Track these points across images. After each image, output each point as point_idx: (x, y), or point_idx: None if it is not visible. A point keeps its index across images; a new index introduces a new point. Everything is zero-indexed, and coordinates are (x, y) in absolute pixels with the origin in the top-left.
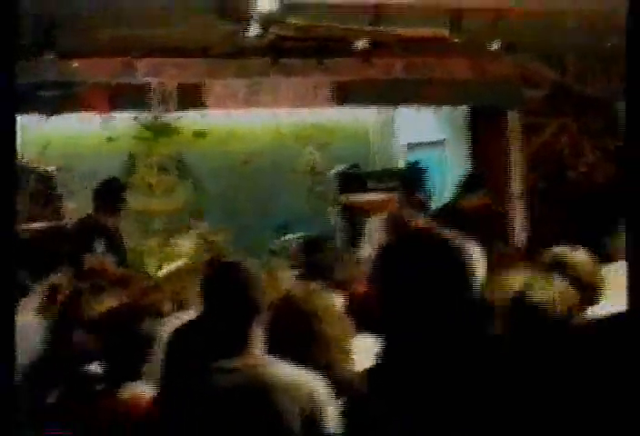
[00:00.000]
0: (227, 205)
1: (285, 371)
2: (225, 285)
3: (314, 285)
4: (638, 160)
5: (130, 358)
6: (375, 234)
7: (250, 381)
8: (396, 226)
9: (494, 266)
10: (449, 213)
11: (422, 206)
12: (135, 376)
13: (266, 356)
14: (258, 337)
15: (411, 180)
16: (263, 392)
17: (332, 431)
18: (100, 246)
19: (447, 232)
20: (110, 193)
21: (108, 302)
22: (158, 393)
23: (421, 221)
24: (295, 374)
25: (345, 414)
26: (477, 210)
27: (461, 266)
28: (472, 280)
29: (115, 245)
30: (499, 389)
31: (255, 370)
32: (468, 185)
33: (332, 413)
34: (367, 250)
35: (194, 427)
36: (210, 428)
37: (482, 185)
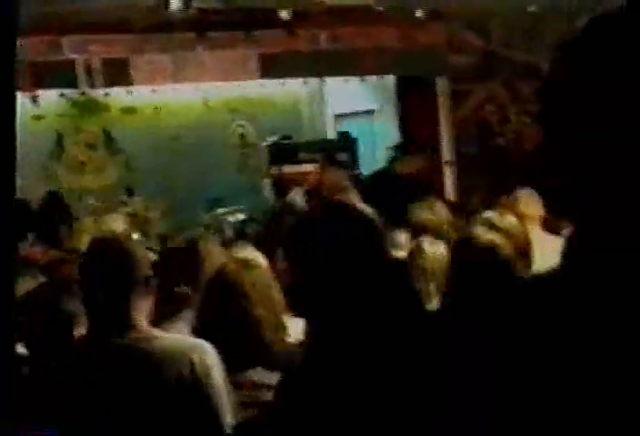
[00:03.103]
0: (159, 181)
1: (170, 343)
2: (99, 261)
3: (249, 254)
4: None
5: (51, 337)
6: (296, 205)
7: (135, 355)
8: (314, 198)
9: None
10: (383, 179)
11: (349, 176)
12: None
13: (151, 329)
14: (142, 311)
15: (341, 150)
16: (148, 365)
17: (219, 399)
18: (31, 234)
19: (362, 206)
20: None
21: (29, 284)
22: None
23: (345, 192)
24: (180, 344)
25: (282, 391)
26: (411, 174)
27: (372, 240)
28: (385, 253)
29: (50, 233)
30: (434, 356)
31: (140, 343)
32: (402, 151)
33: (218, 381)
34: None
35: (80, 403)
36: (97, 404)
37: (415, 151)
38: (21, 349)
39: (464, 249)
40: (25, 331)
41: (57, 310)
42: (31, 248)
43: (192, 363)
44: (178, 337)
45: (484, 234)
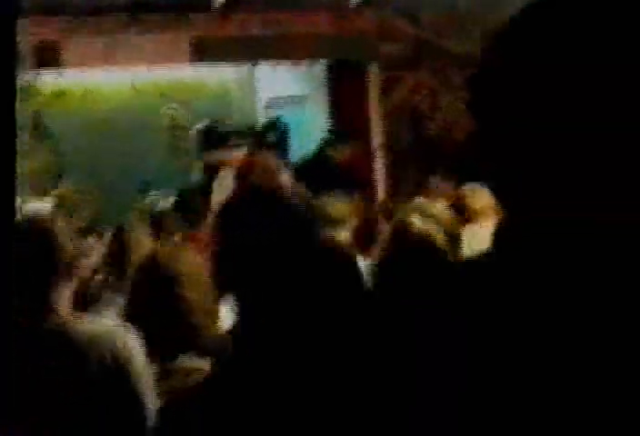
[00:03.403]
0: (89, 165)
1: (92, 327)
2: (21, 244)
3: (179, 243)
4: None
5: None
6: (222, 189)
7: (55, 340)
8: (244, 181)
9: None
10: (313, 165)
11: (280, 162)
12: None
13: (72, 314)
14: (63, 296)
15: (271, 135)
16: (69, 350)
17: (141, 384)
18: None
19: (295, 186)
20: None
21: None
22: None
23: (277, 174)
24: (101, 329)
25: (216, 376)
26: (343, 161)
27: (301, 224)
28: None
29: None
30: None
31: (61, 328)
32: (334, 138)
33: (140, 366)
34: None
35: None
36: (16, 388)
37: (348, 137)
38: None
39: (399, 236)
40: None
41: None
42: None
43: (113, 348)
44: (100, 322)
45: (418, 222)
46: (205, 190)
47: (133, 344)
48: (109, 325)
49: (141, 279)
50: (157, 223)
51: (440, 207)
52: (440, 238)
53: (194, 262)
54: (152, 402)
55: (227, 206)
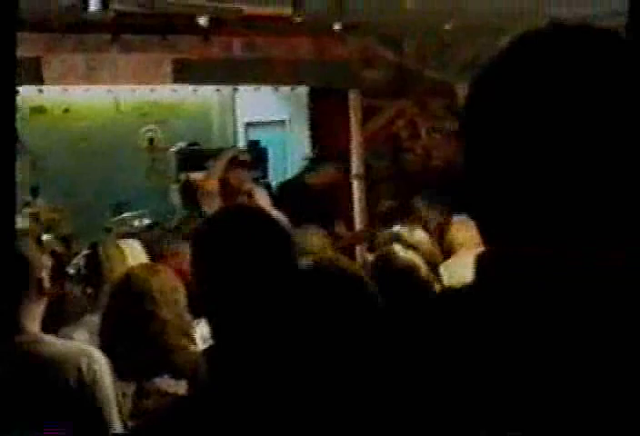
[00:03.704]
0: (65, 183)
1: (59, 348)
2: None
3: (157, 265)
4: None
5: None
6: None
7: (22, 359)
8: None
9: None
10: (292, 189)
11: (257, 181)
12: None
13: (40, 334)
14: (32, 315)
15: (246, 153)
16: (34, 369)
17: (106, 406)
18: None
19: (269, 207)
20: None
21: None
22: None
23: (251, 193)
24: (68, 350)
25: (189, 397)
26: (322, 185)
27: (277, 245)
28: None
29: None
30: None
31: (28, 347)
32: (314, 162)
33: (106, 389)
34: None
35: None
36: None
37: (327, 163)
38: None
39: (384, 264)
40: None
41: None
42: None
43: (79, 369)
44: (67, 342)
45: (401, 252)
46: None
47: (100, 367)
48: (77, 346)
49: (116, 299)
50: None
51: (420, 235)
52: (423, 269)
53: (168, 283)
54: (117, 426)
55: (204, 227)
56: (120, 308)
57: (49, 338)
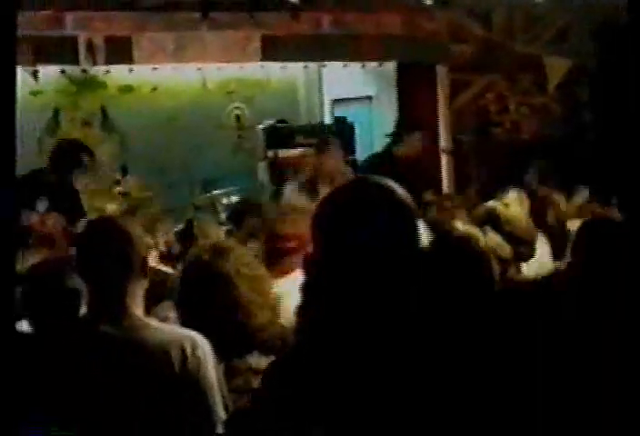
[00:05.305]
0: (153, 162)
1: (163, 333)
2: (97, 243)
3: (231, 242)
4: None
5: (56, 314)
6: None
7: (127, 345)
8: (312, 186)
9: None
10: (379, 164)
11: (346, 161)
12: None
13: (144, 318)
14: (136, 297)
15: (337, 134)
16: (139, 356)
17: (210, 392)
18: (42, 205)
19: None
20: (66, 153)
21: (33, 258)
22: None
23: (344, 177)
24: (173, 336)
25: (279, 372)
26: (410, 158)
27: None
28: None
29: (64, 204)
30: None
31: (133, 332)
32: (400, 137)
33: (210, 375)
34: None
35: (68, 391)
36: (85, 392)
37: (414, 134)
38: (25, 326)
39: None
40: (29, 306)
41: (62, 286)
42: (44, 216)
43: (184, 356)
44: (171, 328)
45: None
46: (270, 189)
47: (204, 352)
48: (181, 332)
49: (190, 284)
50: (220, 221)
51: (516, 210)
52: (482, 241)
53: (243, 261)
54: (220, 412)
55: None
56: (197, 293)
57: (153, 322)
